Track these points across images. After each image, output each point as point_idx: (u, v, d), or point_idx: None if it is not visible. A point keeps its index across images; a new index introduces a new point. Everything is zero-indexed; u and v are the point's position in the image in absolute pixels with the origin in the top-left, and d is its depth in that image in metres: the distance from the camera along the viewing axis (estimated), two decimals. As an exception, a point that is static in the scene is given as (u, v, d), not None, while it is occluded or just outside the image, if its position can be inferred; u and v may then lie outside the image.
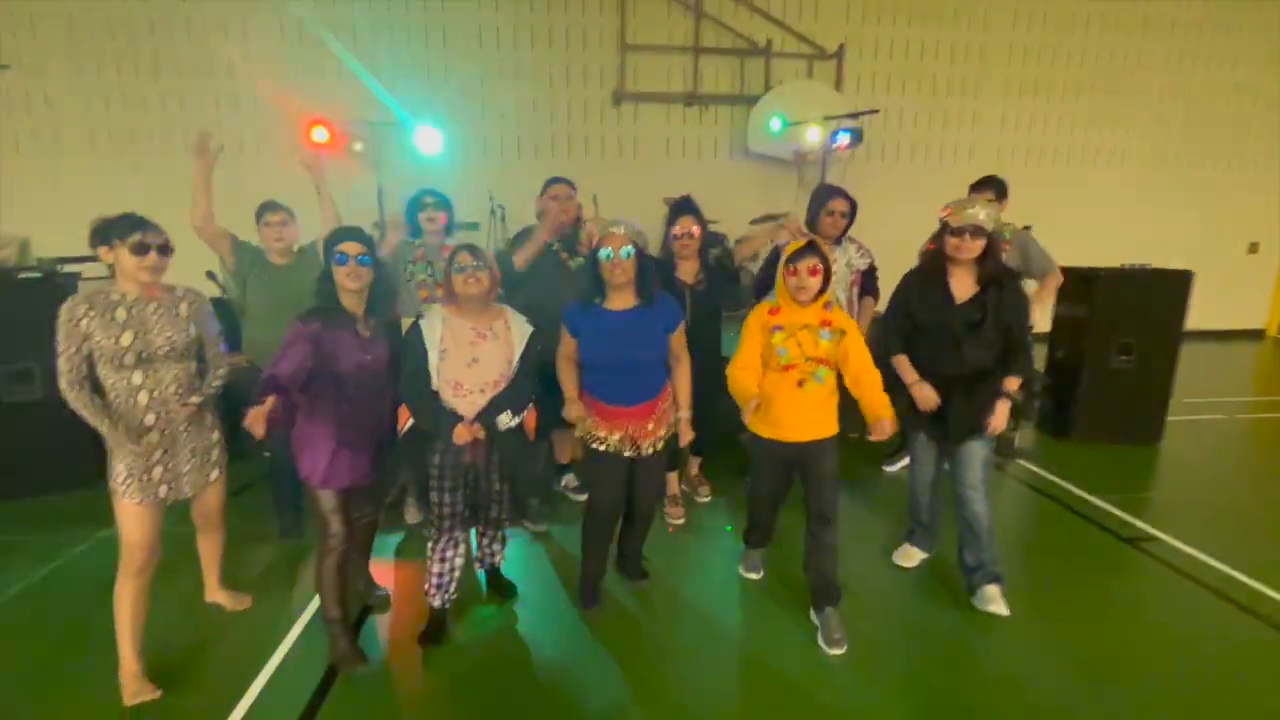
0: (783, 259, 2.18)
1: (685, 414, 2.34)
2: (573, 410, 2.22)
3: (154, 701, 1.92)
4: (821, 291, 2.16)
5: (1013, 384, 2.28)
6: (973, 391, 2.28)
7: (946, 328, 2.27)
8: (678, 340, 2.31)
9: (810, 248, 2.14)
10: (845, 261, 3.20)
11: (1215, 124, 7.28)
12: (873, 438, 2.10)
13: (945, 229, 2.23)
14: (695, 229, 2.73)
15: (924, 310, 2.33)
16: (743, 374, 2.22)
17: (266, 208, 2.76)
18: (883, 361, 2.35)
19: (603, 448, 2.24)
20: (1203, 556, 2.75)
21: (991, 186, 3.28)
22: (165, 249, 1.87)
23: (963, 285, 2.28)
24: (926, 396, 2.32)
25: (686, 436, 2.35)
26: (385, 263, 2.36)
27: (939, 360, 2.32)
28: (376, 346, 2.06)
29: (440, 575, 2.20)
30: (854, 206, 3.12)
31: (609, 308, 2.19)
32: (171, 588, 2.40)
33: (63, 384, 1.78)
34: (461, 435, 2.00)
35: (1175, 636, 2.27)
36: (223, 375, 2.11)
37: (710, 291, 2.86)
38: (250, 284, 2.73)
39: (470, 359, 2.06)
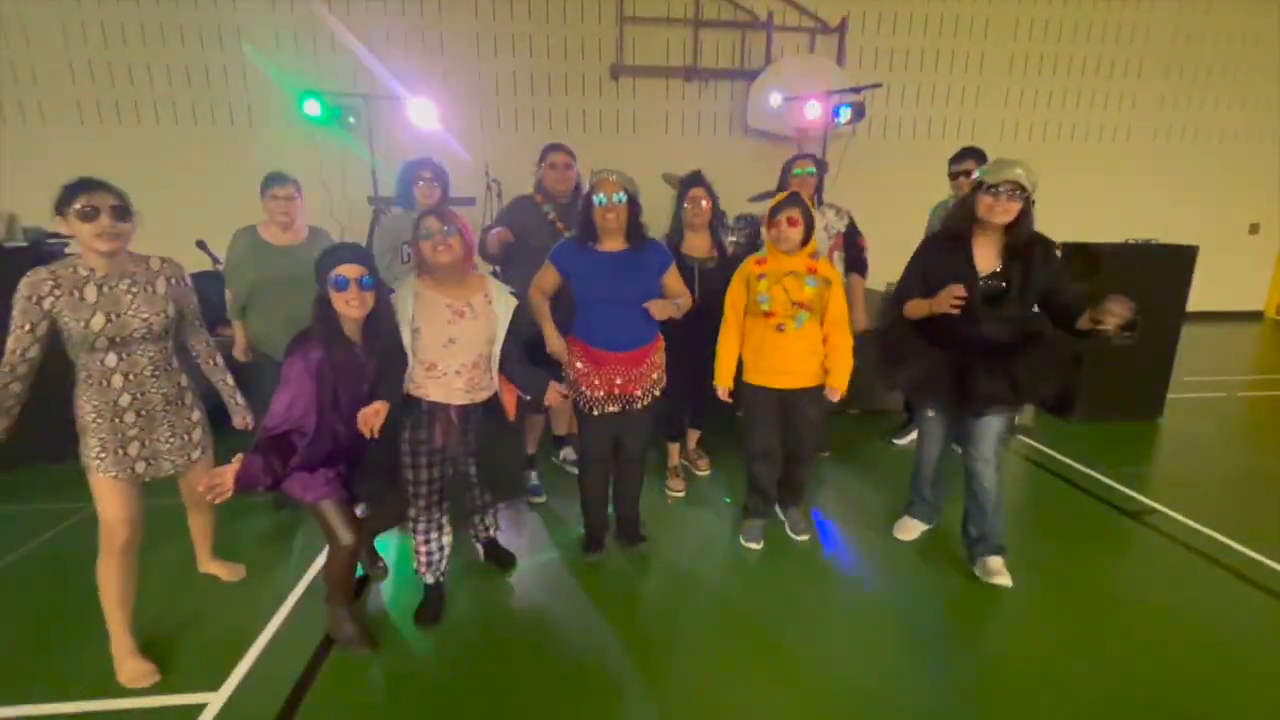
0: (766, 211, 2.32)
1: (664, 303, 2.24)
2: (554, 344, 2.26)
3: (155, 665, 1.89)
4: (804, 243, 2.29)
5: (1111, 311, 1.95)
6: (991, 366, 2.16)
7: (967, 300, 2.11)
8: (673, 279, 2.31)
9: (791, 199, 2.26)
10: (823, 225, 3.10)
11: (1219, 103, 7.20)
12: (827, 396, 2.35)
13: (980, 186, 2.08)
14: (705, 201, 2.73)
15: (942, 277, 2.16)
16: (723, 344, 2.44)
17: (273, 179, 2.55)
18: (889, 361, 2.37)
19: (595, 411, 2.28)
20: (1202, 527, 2.75)
21: (972, 157, 3.19)
22: (121, 212, 1.65)
23: (987, 253, 2.15)
24: (952, 295, 2.07)
25: (659, 306, 2.21)
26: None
27: (954, 331, 2.18)
28: (371, 367, 1.89)
29: (429, 554, 2.14)
30: (821, 166, 3.09)
31: (601, 249, 2.21)
32: (166, 558, 2.38)
33: (3, 366, 1.62)
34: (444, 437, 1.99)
35: (1175, 605, 2.26)
36: (224, 366, 2.06)
37: (721, 272, 2.80)
38: (250, 272, 2.56)
39: (447, 339, 1.92)
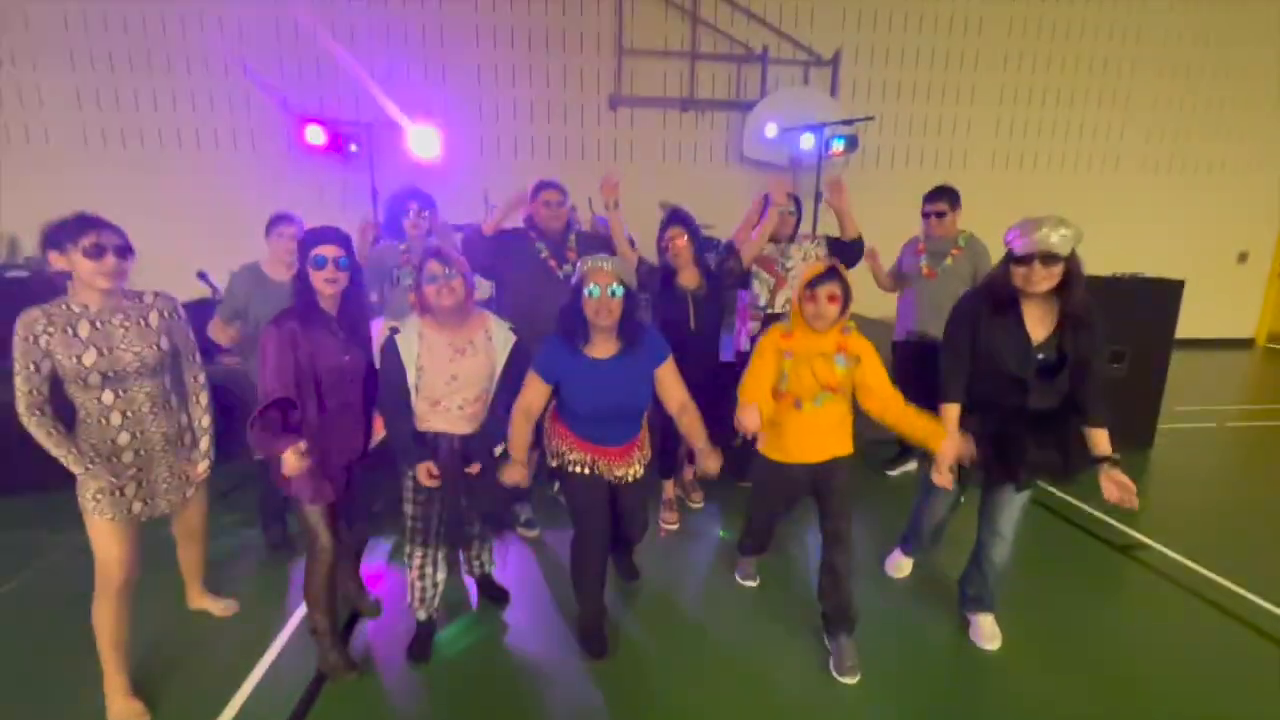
0: (800, 284, 2.03)
1: (702, 445, 2.10)
2: (514, 472, 2.03)
3: (146, 703, 1.89)
4: (840, 317, 2.02)
5: (1103, 441, 1.94)
6: (1040, 437, 2.00)
7: (1020, 372, 1.94)
8: (672, 380, 2.08)
9: (830, 273, 1.98)
10: (802, 257, 3.11)
11: (1206, 133, 7.34)
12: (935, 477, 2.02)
13: (1010, 257, 1.90)
14: (680, 240, 2.74)
15: (996, 350, 1.96)
16: (757, 393, 2.03)
17: (282, 219, 2.59)
18: (922, 394, 2.12)
19: (580, 470, 2.09)
20: (1194, 565, 2.77)
21: (944, 199, 3.21)
22: (124, 251, 1.69)
23: (1038, 321, 1.93)
24: (963, 450, 2.00)
25: (712, 464, 2.06)
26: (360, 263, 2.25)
27: (998, 402, 2.03)
28: (353, 349, 1.98)
29: (423, 590, 2.13)
30: (799, 203, 3.15)
31: (592, 354, 1.99)
32: (156, 594, 2.37)
33: (20, 408, 1.64)
34: (425, 477, 1.94)
35: (1168, 645, 2.27)
36: (207, 407, 2.00)
37: (711, 296, 2.87)
38: (251, 308, 2.55)
39: (449, 376, 1.96)
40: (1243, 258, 7.77)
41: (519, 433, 2.03)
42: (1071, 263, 1.83)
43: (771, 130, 5.94)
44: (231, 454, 2.79)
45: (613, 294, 1.89)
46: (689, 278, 2.84)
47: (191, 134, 5.96)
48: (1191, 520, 3.22)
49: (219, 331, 2.65)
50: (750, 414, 1.88)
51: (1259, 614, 2.44)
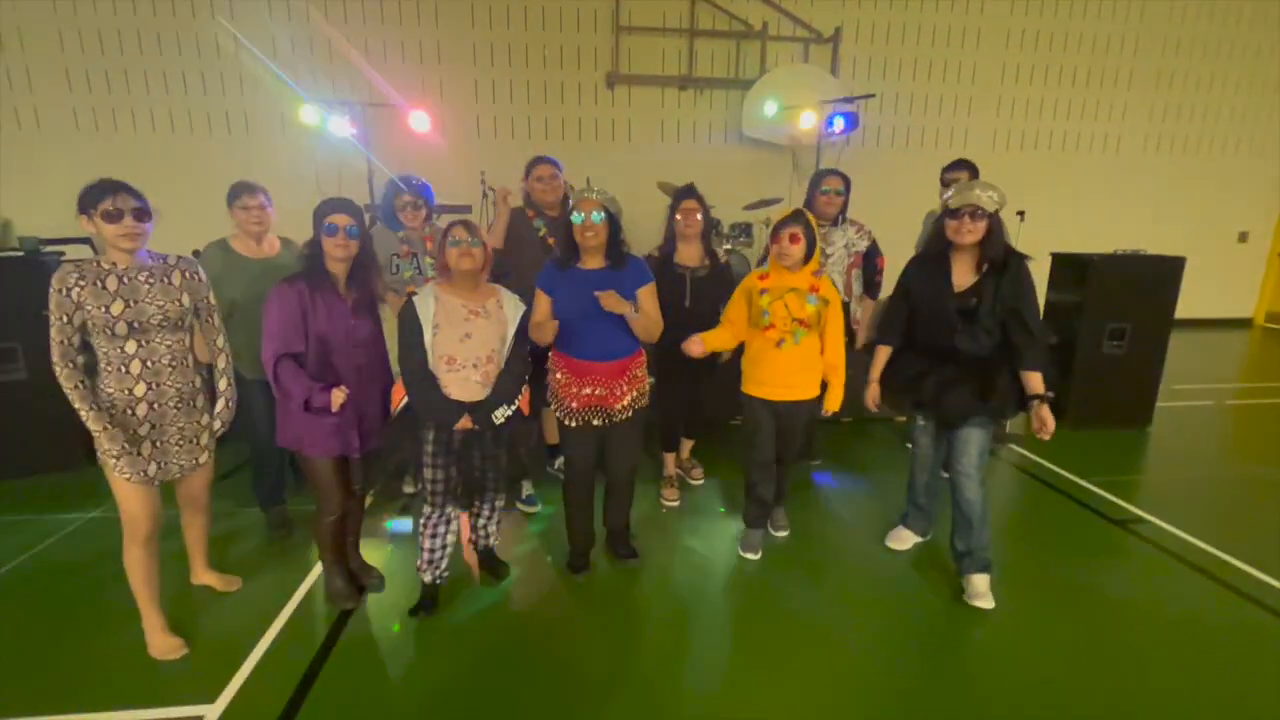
0: (770, 227, 2.36)
1: (645, 340, 2.33)
2: (540, 317, 2.24)
3: (151, 677, 1.92)
4: (806, 260, 2.33)
5: (1036, 382, 2.17)
6: (968, 378, 2.23)
7: (942, 314, 2.24)
8: (649, 297, 2.29)
9: (795, 216, 2.30)
10: (844, 243, 3.15)
11: (1209, 113, 7.29)
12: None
13: (945, 211, 2.20)
14: (698, 213, 2.77)
15: (921, 295, 2.31)
16: (723, 328, 2.49)
17: (243, 189, 2.49)
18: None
19: (571, 423, 2.31)
20: (1190, 538, 2.79)
21: (965, 168, 3.28)
22: (142, 214, 1.80)
23: (963, 271, 2.23)
24: (871, 396, 2.49)
25: (611, 300, 2.22)
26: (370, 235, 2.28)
27: (933, 345, 2.31)
28: (361, 317, 2.10)
29: (432, 551, 2.23)
30: (848, 184, 3.11)
31: (582, 267, 2.25)
32: (161, 569, 2.38)
33: (55, 356, 1.76)
34: (464, 425, 2.07)
35: (1163, 617, 2.29)
36: (225, 370, 2.09)
37: (713, 280, 2.86)
38: (224, 288, 2.38)
39: (463, 334, 2.07)
40: (1243, 237, 7.76)
41: (537, 339, 2.27)
42: (993, 219, 2.12)
43: (771, 108, 5.88)
44: (228, 436, 2.79)
45: (596, 219, 2.15)
46: (690, 254, 2.83)
47: (184, 116, 5.89)
48: (1187, 495, 3.24)
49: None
50: (694, 345, 2.37)
51: (1252, 583, 2.46)
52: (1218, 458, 3.81)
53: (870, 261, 3.24)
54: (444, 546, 2.24)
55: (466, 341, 2.07)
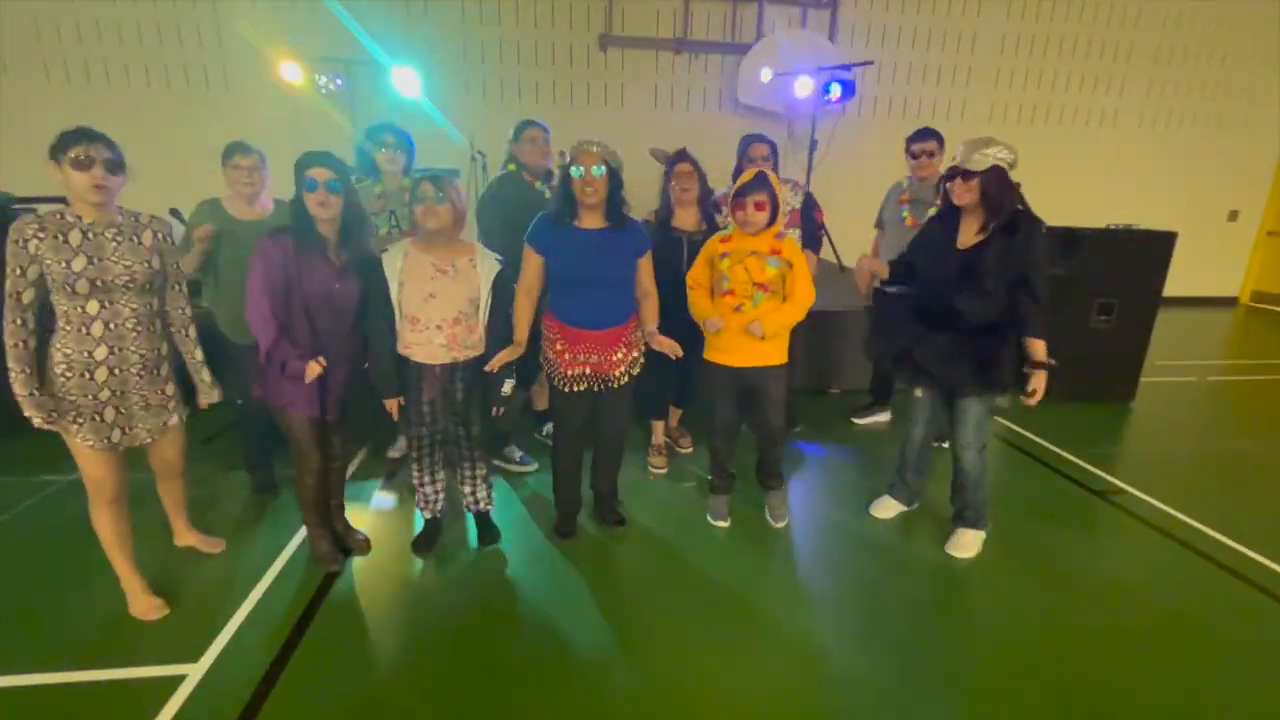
0: (730, 191, 2.27)
1: (652, 328, 2.31)
2: (513, 352, 2.15)
3: (133, 637, 1.92)
4: (770, 224, 2.26)
5: (1039, 349, 2.13)
6: (969, 349, 2.19)
7: (943, 272, 2.19)
8: (646, 270, 2.27)
9: (758, 181, 2.20)
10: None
11: (1206, 89, 7.22)
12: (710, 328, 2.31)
13: (946, 173, 2.19)
14: (692, 177, 2.71)
15: (926, 253, 2.29)
16: (694, 294, 2.41)
17: (237, 148, 2.40)
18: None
19: (567, 389, 2.28)
20: (1167, 508, 2.84)
21: (933, 138, 3.15)
22: (115, 165, 1.71)
23: (969, 230, 2.20)
24: (867, 266, 2.45)
25: (666, 344, 2.26)
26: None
27: (935, 305, 2.24)
28: (347, 279, 2.03)
29: (425, 495, 2.37)
30: (774, 149, 3.04)
31: (579, 226, 2.16)
32: (141, 533, 2.35)
33: (5, 310, 1.67)
34: (394, 410, 2.14)
35: (1137, 581, 2.34)
36: (197, 340, 2.03)
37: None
38: (222, 251, 2.38)
39: (428, 294, 2.04)
40: (1233, 216, 7.77)
41: (521, 311, 2.21)
42: (988, 178, 2.06)
43: (767, 75, 5.75)
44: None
45: (597, 173, 2.05)
46: (687, 219, 2.79)
47: (160, 70, 5.68)
48: (1167, 468, 3.30)
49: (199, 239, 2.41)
50: (710, 322, 2.29)
51: (1228, 553, 2.51)
52: (1199, 433, 3.87)
53: (808, 215, 3.19)
54: (436, 492, 2.37)
55: (430, 301, 2.03)
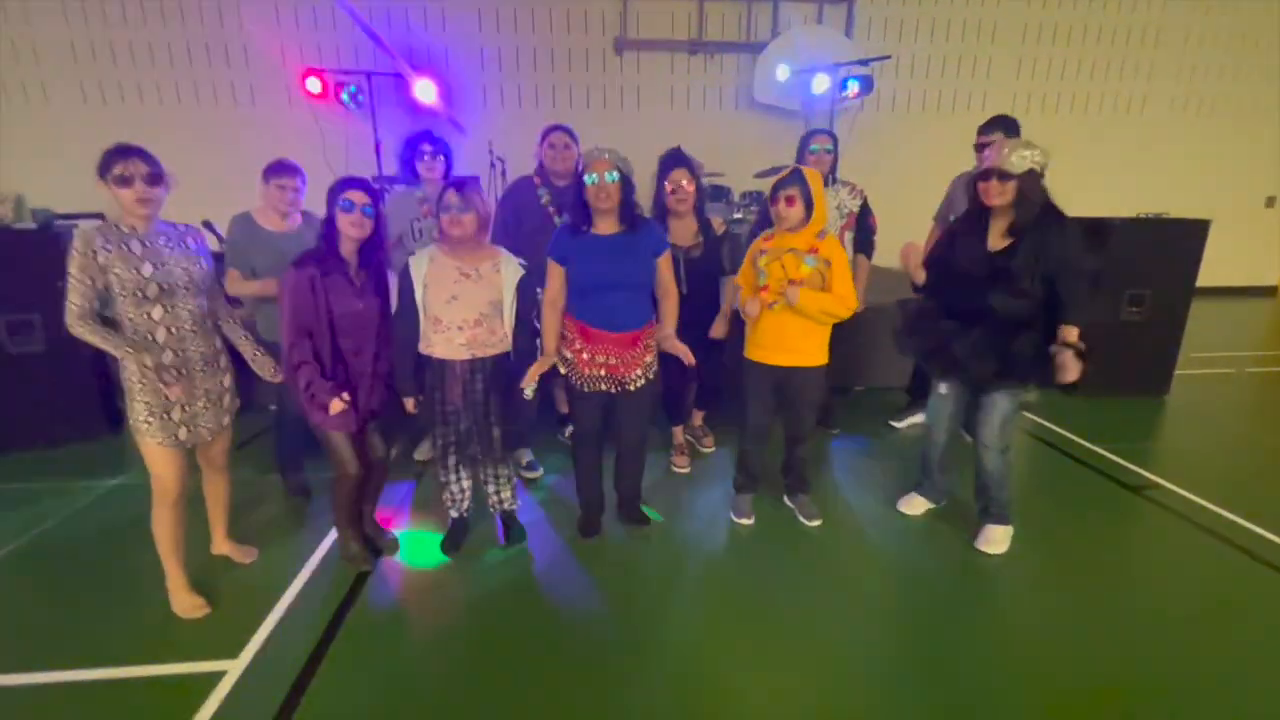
0: (769, 189, 2.29)
1: (668, 330, 2.31)
2: (545, 364, 2.22)
3: (175, 635, 1.98)
4: (806, 221, 2.25)
5: (1071, 333, 2.10)
6: (999, 341, 2.18)
7: (975, 274, 2.19)
8: (665, 267, 2.27)
9: (792, 177, 2.22)
10: (835, 205, 3.03)
11: (1238, 74, 7.01)
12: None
13: (978, 173, 2.17)
14: (687, 183, 2.62)
15: (958, 253, 2.26)
16: (740, 295, 2.46)
17: (281, 169, 2.49)
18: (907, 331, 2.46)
19: (584, 388, 2.30)
20: (1204, 502, 2.76)
21: (1000, 126, 3.12)
22: (154, 179, 1.80)
23: (998, 232, 2.19)
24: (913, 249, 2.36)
25: (679, 349, 2.29)
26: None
27: (966, 304, 2.24)
28: (368, 295, 2.11)
29: (451, 494, 2.41)
30: (836, 142, 3.02)
31: (596, 232, 2.20)
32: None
33: (71, 319, 1.74)
34: (411, 406, 2.20)
35: (1175, 579, 2.29)
36: (241, 328, 2.18)
37: (708, 258, 2.77)
38: (247, 259, 2.48)
39: (450, 296, 2.11)
40: (1270, 203, 7.53)
41: (549, 324, 2.28)
42: (1024, 181, 2.04)
43: (783, 72, 5.74)
44: (246, 404, 2.82)
45: (610, 179, 2.09)
46: (682, 232, 2.71)
47: (190, 88, 5.86)
48: (1204, 461, 3.21)
49: (239, 284, 2.52)
50: (751, 305, 2.33)
51: (1269, 548, 2.43)
52: (1237, 426, 3.76)
53: (864, 222, 3.12)
54: (462, 490, 2.41)
55: (452, 304, 2.11)
